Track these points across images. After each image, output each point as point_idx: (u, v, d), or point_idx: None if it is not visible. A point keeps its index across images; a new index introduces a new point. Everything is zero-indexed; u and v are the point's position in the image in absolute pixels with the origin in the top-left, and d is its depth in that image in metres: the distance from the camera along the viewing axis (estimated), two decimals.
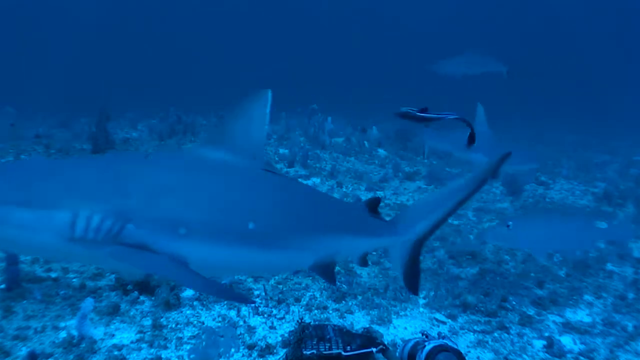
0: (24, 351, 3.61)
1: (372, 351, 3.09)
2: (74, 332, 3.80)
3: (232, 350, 3.79)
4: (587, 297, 5.29)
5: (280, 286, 4.87)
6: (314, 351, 3.07)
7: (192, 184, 2.29)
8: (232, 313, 4.33)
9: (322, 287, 4.91)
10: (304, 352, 3.08)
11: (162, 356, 3.69)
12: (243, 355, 3.79)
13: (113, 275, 4.73)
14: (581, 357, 4.20)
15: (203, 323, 4.16)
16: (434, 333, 3.20)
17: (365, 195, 8.15)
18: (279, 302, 4.55)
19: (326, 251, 2.65)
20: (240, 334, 4.03)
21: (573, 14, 39.88)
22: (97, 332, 3.91)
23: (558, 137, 17.98)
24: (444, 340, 2.96)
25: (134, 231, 2.03)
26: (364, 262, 3.07)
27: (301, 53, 36.06)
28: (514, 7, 39.63)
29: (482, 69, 11.18)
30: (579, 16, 39.81)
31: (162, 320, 4.12)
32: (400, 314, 4.59)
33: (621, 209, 8.78)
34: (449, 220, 7.40)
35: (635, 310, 5.06)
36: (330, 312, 4.49)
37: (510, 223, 4.10)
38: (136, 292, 4.43)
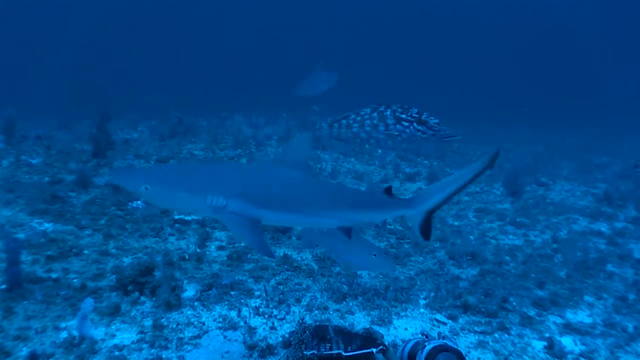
0: (24, 351, 3.62)
1: (372, 351, 3.11)
2: (75, 333, 3.81)
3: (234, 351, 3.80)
4: (588, 298, 5.30)
5: (281, 287, 4.88)
6: (315, 351, 3.08)
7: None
8: (233, 313, 4.34)
9: (323, 287, 4.92)
10: (305, 353, 3.09)
11: (163, 356, 3.70)
12: (244, 356, 3.79)
13: (114, 276, 4.74)
14: (582, 358, 4.21)
15: (204, 324, 4.17)
16: (434, 334, 3.21)
17: None
18: (280, 302, 4.55)
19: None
20: (241, 334, 4.03)
21: (573, 16, 39.89)
22: (98, 332, 3.92)
23: (558, 139, 17.99)
24: (444, 341, 2.97)
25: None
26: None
27: (301, 54, 36.10)
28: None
29: (332, 83, 11.86)
30: (578, 18, 39.82)
31: (162, 320, 4.12)
32: (401, 314, 4.60)
33: (621, 210, 8.79)
34: (449, 222, 7.49)
35: (635, 311, 5.07)
36: (331, 312, 4.49)
37: None
38: (137, 293, 4.44)
